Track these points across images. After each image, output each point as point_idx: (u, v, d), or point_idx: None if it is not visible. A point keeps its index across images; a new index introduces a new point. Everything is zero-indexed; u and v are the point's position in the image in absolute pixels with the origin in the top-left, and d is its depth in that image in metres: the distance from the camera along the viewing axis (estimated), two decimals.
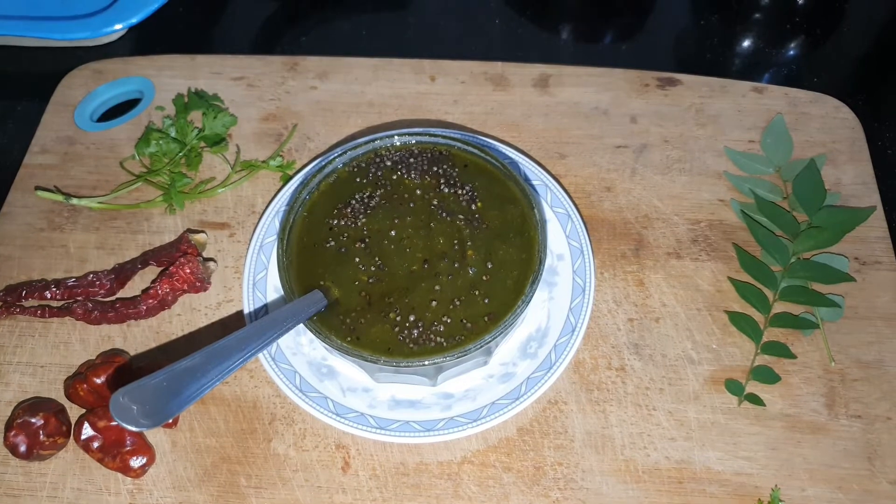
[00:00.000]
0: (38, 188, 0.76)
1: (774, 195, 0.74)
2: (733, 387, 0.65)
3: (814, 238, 0.70)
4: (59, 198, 0.75)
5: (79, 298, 0.70)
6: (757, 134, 0.79)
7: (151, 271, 0.72)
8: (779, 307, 0.68)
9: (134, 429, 0.51)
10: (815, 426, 0.64)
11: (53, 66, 0.87)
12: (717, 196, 0.75)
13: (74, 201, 0.75)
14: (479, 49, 0.90)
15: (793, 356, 0.66)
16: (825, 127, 0.79)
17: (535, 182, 0.72)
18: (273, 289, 0.68)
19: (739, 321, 0.68)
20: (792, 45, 0.91)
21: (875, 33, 0.92)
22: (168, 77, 0.84)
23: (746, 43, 0.91)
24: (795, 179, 0.74)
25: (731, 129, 0.79)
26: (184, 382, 0.53)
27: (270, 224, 0.70)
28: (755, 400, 0.64)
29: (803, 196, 0.73)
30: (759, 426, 0.64)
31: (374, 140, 0.67)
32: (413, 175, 0.65)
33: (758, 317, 0.68)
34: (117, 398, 0.51)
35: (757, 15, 0.94)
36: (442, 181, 0.65)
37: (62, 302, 0.70)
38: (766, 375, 0.65)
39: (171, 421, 0.64)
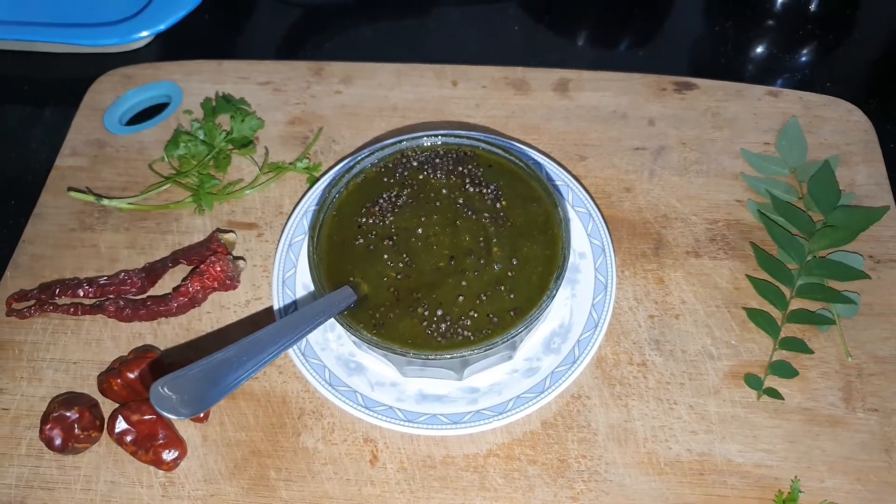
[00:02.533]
0: (70, 189, 0.78)
1: (790, 195, 0.76)
2: (752, 381, 0.66)
3: (829, 237, 0.72)
4: (91, 198, 0.77)
5: (111, 296, 0.72)
6: (772, 136, 0.80)
7: (181, 270, 0.74)
8: (796, 304, 0.70)
9: (173, 417, 0.52)
10: (833, 419, 0.65)
11: (82, 71, 0.89)
12: (733, 196, 0.77)
13: (105, 202, 0.77)
14: (499, 55, 0.91)
15: (810, 351, 0.67)
16: (839, 129, 0.81)
17: (556, 182, 0.74)
18: (302, 286, 0.69)
19: (757, 317, 0.69)
20: (805, 50, 0.93)
21: (886, 39, 0.94)
22: (196, 82, 0.86)
23: (760, 48, 0.93)
24: (810, 180, 0.75)
25: (746, 132, 0.81)
26: (220, 373, 0.55)
27: (298, 224, 0.72)
28: (774, 394, 0.66)
29: (818, 196, 0.74)
30: (778, 419, 0.65)
31: (400, 141, 0.69)
32: (439, 175, 0.67)
33: (775, 313, 0.70)
34: (157, 388, 0.53)
35: (770, 21, 0.95)
36: (467, 181, 0.67)
37: (94, 300, 0.72)
38: (785, 370, 0.67)
39: (202, 415, 0.66)
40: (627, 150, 0.80)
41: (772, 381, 0.66)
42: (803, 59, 0.92)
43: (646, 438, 0.64)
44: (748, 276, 0.72)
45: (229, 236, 0.74)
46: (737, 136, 0.80)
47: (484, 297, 0.61)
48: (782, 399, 0.66)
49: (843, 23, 0.94)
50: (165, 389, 0.53)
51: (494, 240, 0.64)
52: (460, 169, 0.67)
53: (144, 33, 0.88)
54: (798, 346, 0.68)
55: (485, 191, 0.66)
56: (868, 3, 0.96)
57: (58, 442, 0.64)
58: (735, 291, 0.71)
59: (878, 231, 0.74)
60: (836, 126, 0.81)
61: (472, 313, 0.61)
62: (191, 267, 0.73)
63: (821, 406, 0.66)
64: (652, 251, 0.74)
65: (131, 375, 0.66)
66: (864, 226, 0.73)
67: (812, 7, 0.96)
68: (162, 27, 0.88)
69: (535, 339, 0.67)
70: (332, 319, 0.61)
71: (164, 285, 0.73)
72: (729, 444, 0.64)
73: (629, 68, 0.86)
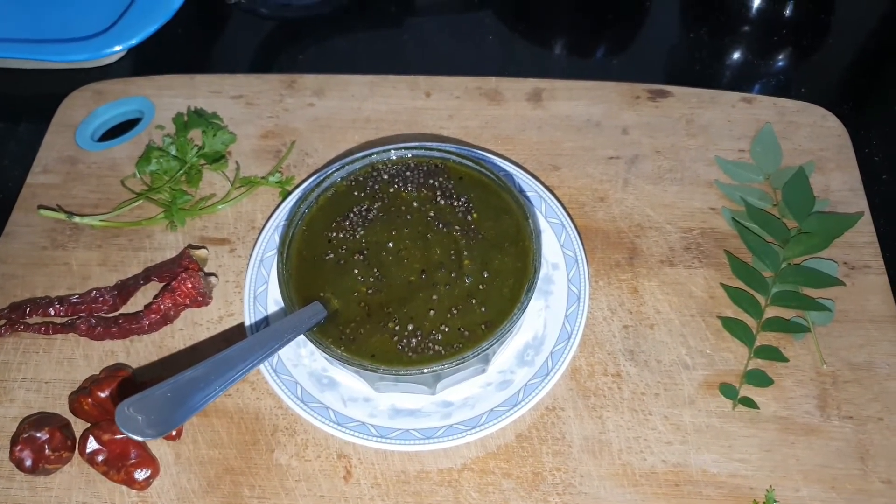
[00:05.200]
0: (41, 207, 0.78)
1: (764, 202, 0.76)
2: (727, 391, 0.66)
3: (803, 244, 0.72)
4: (62, 216, 0.77)
5: (82, 315, 0.71)
6: (746, 143, 0.80)
7: (153, 287, 0.73)
8: (770, 312, 0.70)
9: (139, 438, 0.52)
10: (808, 428, 0.65)
11: (54, 87, 0.88)
12: (708, 204, 0.77)
13: (77, 219, 0.76)
14: (473, 65, 0.91)
15: (785, 360, 0.67)
16: (813, 135, 0.81)
17: (529, 193, 0.73)
18: (274, 302, 0.69)
19: (732, 326, 0.69)
20: (779, 56, 0.93)
21: (859, 44, 0.94)
22: (168, 96, 0.85)
23: (735, 55, 0.93)
24: (785, 187, 0.75)
25: (721, 139, 0.81)
26: (188, 393, 0.54)
27: (270, 239, 0.72)
28: (749, 403, 0.65)
29: (793, 203, 0.74)
30: (753, 429, 0.65)
31: (371, 154, 0.68)
32: (410, 188, 0.67)
33: (750, 322, 0.69)
34: (123, 409, 0.52)
35: (745, 27, 0.96)
36: (438, 193, 0.66)
37: (66, 318, 0.72)
38: (760, 379, 0.66)
39: (174, 433, 0.65)
40: (601, 160, 0.80)
41: (747, 391, 0.66)
42: (778, 64, 0.92)
43: (621, 450, 0.64)
44: (723, 285, 0.71)
45: (201, 252, 0.74)
46: (711, 144, 0.80)
47: (455, 311, 0.61)
48: (757, 408, 0.65)
49: (817, 28, 0.95)
50: (131, 410, 0.53)
51: (465, 252, 0.63)
52: (431, 181, 0.67)
53: (117, 48, 0.87)
54: (773, 354, 0.68)
55: (456, 203, 0.66)
56: (841, 8, 0.96)
57: (28, 463, 0.63)
58: (710, 300, 0.71)
59: (853, 237, 0.74)
60: (810, 132, 0.81)
61: (443, 327, 0.61)
62: (163, 284, 0.73)
63: (796, 414, 0.65)
64: (626, 261, 0.73)
65: (102, 395, 0.65)
66: (839, 232, 0.73)
67: (786, 12, 0.96)
68: (134, 42, 0.87)
69: (508, 351, 0.67)
70: (304, 336, 0.60)
71: (137, 303, 0.73)
72: (704, 454, 0.64)
73: (604, 77, 0.86)
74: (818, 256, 0.72)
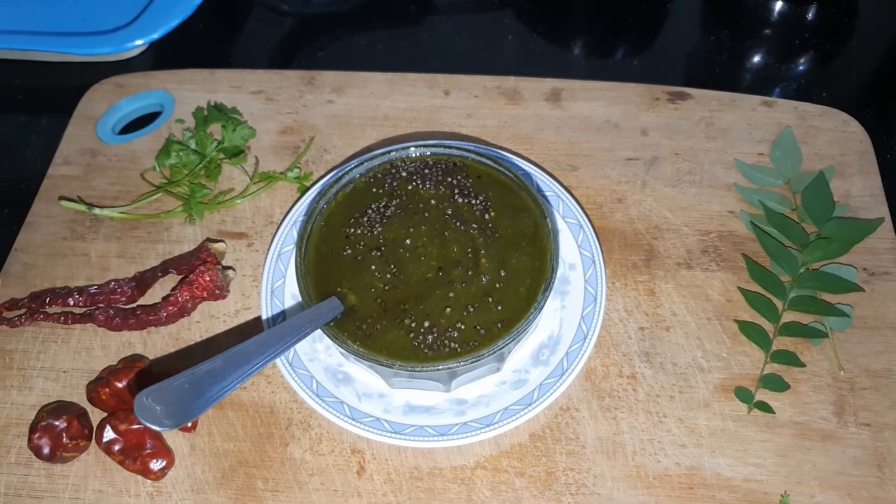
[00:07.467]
0: (61, 198, 0.78)
1: (784, 207, 0.75)
2: (743, 395, 0.66)
3: (822, 249, 0.71)
4: (82, 208, 0.77)
5: (101, 305, 0.72)
6: (766, 147, 0.80)
7: (171, 279, 0.74)
8: (788, 316, 0.69)
9: (157, 428, 0.52)
10: (825, 434, 0.64)
11: (76, 80, 0.89)
12: (726, 208, 0.76)
13: (97, 211, 0.77)
14: (492, 64, 0.91)
15: (802, 365, 0.67)
16: (834, 140, 0.80)
17: (547, 193, 0.73)
18: (290, 296, 0.69)
19: (749, 330, 0.69)
20: (801, 59, 0.92)
21: (883, 48, 0.94)
22: (188, 91, 0.86)
23: (756, 58, 0.93)
24: (804, 191, 0.75)
25: (740, 143, 0.80)
26: (205, 384, 0.54)
27: (288, 234, 0.72)
28: (765, 407, 0.65)
29: (812, 207, 0.74)
30: (768, 433, 0.64)
31: (389, 151, 0.69)
32: (428, 185, 0.67)
33: (767, 326, 0.69)
34: (141, 399, 0.53)
35: (766, 30, 0.95)
36: (456, 191, 0.66)
37: (84, 309, 0.72)
38: (776, 383, 0.66)
39: (189, 425, 0.66)
40: (620, 161, 0.79)
41: (763, 395, 0.66)
42: (799, 68, 0.92)
43: (634, 451, 0.64)
44: (740, 289, 0.71)
45: (219, 246, 0.74)
46: (730, 147, 0.80)
47: (471, 309, 0.61)
48: (773, 413, 0.65)
49: (841, 32, 0.94)
50: (149, 400, 0.53)
51: (483, 251, 0.63)
52: (449, 180, 0.67)
53: (138, 42, 0.88)
54: (790, 359, 0.67)
55: (474, 202, 0.66)
56: (866, 11, 0.96)
57: (46, 451, 0.64)
58: (727, 304, 0.71)
59: (873, 243, 0.73)
60: (831, 137, 0.80)
61: (459, 325, 0.61)
62: (180, 276, 0.73)
63: (812, 420, 0.65)
64: (643, 262, 0.73)
65: (119, 385, 0.66)
66: (859, 238, 0.72)
67: (809, 16, 0.95)
68: (155, 36, 0.88)
69: (523, 350, 0.67)
70: (320, 330, 0.61)
71: (155, 294, 0.73)
72: (718, 458, 0.64)
73: (624, 78, 0.86)
74: (837, 262, 0.72)
